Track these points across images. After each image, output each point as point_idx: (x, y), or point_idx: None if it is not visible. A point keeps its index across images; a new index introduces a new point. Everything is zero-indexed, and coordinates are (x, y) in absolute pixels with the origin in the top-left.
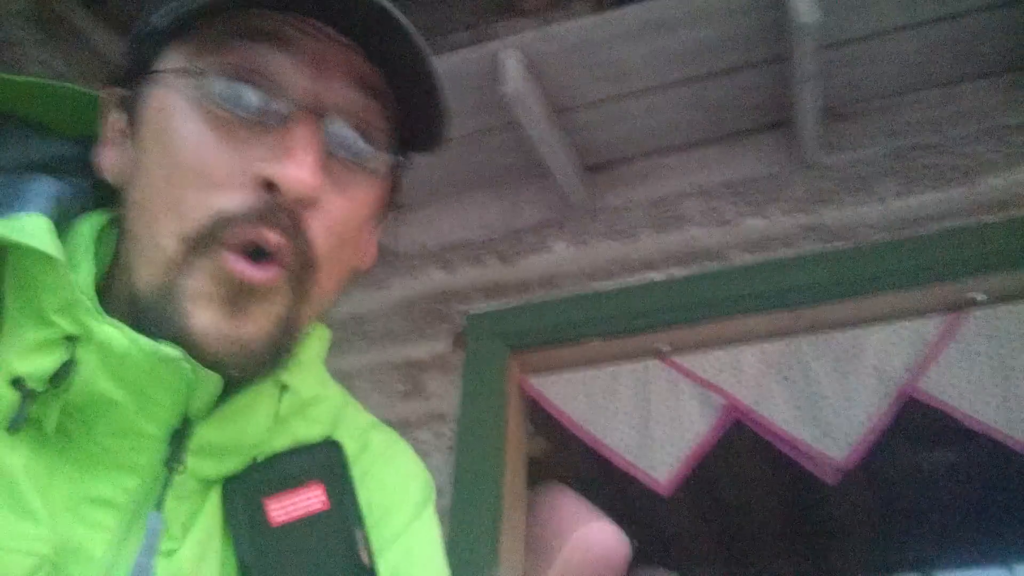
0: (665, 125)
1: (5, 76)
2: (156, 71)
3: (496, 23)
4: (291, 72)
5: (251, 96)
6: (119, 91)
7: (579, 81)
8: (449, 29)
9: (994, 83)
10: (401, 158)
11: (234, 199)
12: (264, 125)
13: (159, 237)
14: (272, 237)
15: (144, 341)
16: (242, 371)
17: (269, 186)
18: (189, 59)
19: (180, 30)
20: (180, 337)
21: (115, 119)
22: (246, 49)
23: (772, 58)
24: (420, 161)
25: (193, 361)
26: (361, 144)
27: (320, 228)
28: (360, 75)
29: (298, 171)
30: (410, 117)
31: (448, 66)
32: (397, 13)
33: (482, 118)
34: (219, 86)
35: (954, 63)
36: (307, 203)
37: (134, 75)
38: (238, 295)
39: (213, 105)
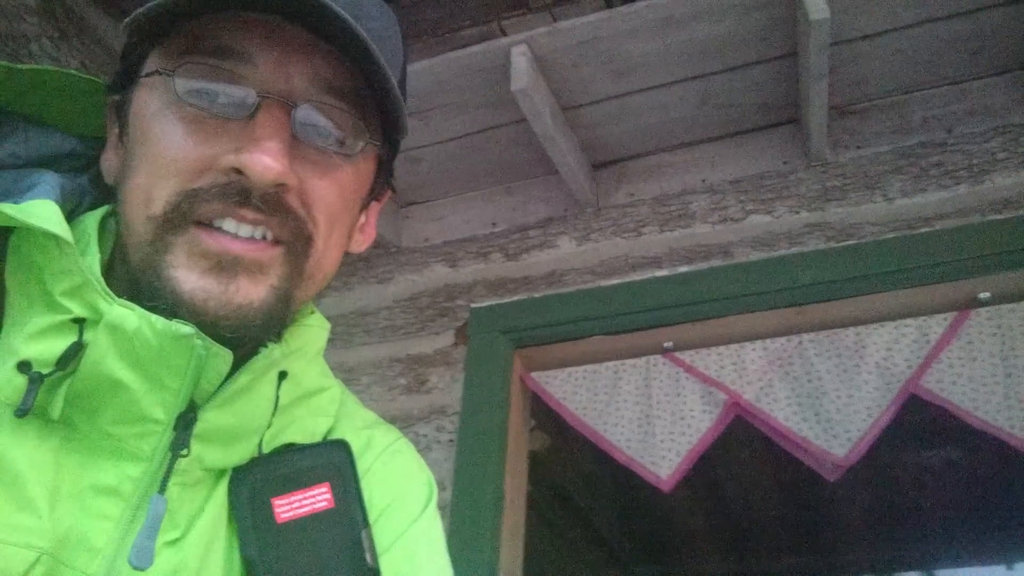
0: (672, 122)
1: (8, 65)
2: (139, 76)
3: (505, 19)
4: (259, 67)
5: (217, 91)
6: (114, 99)
7: (587, 77)
8: (458, 25)
9: (1004, 81)
10: (375, 143)
11: (203, 180)
12: (232, 119)
13: (136, 223)
14: (247, 214)
15: (156, 319)
16: (236, 332)
17: (238, 173)
18: (162, 62)
19: (160, 37)
20: (174, 300)
21: (112, 125)
22: (213, 48)
23: (781, 55)
24: (426, 156)
25: (205, 337)
26: (331, 130)
27: (306, 207)
28: (324, 70)
29: (262, 157)
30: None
31: (457, 62)
32: (349, 20)
33: (490, 114)
34: (187, 84)
35: (964, 61)
36: (277, 186)
37: (124, 82)
38: (222, 266)
39: (183, 103)
